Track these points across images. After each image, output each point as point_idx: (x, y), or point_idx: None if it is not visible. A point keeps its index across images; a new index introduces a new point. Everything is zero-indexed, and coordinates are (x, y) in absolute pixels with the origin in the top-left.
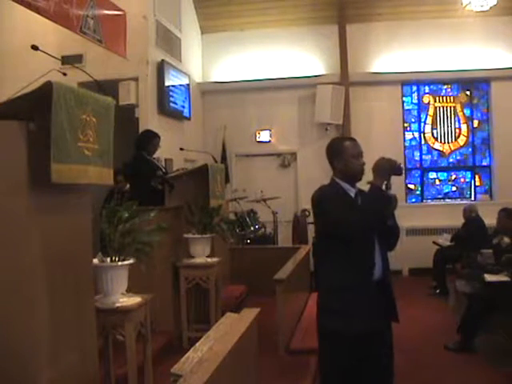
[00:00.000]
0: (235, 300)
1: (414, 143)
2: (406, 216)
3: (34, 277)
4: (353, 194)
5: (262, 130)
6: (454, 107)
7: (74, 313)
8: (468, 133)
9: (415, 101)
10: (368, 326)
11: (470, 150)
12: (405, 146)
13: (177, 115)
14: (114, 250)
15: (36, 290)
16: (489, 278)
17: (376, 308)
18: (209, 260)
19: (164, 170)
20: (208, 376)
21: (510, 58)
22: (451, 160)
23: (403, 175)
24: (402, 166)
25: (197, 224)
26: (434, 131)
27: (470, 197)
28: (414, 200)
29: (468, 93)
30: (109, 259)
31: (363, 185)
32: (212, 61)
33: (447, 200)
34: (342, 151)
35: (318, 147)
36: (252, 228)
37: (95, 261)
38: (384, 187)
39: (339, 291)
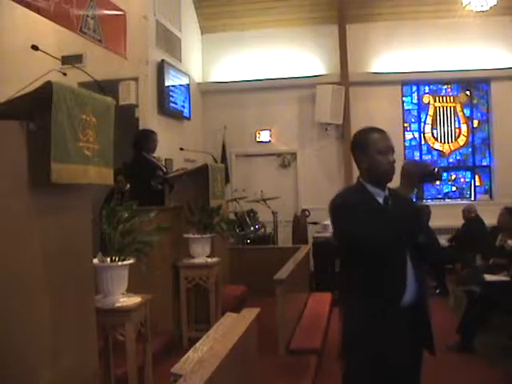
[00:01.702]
0: (235, 300)
1: (413, 143)
2: None
3: (34, 277)
4: (381, 200)
5: (261, 130)
6: (454, 107)
7: (74, 313)
8: (468, 133)
9: (415, 101)
10: (395, 357)
11: (470, 149)
12: (405, 146)
13: (177, 115)
14: (114, 250)
15: (36, 290)
16: (489, 277)
17: (406, 337)
18: (209, 260)
19: (164, 169)
20: (208, 376)
21: (510, 58)
22: (451, 160)
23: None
24: (438, 169)
25: (197, 224)
26: (434, 131)
27: (470, 197)
28: (413, 200)
29: (468, 93)
30: (109, 259)
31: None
32: (212, 61)
33: (447, 200)
34: (366, 146)
35: (318, 147)
36: (252, 228)
37: (95, 261)
38: (414, 197)
39: (363, 319)
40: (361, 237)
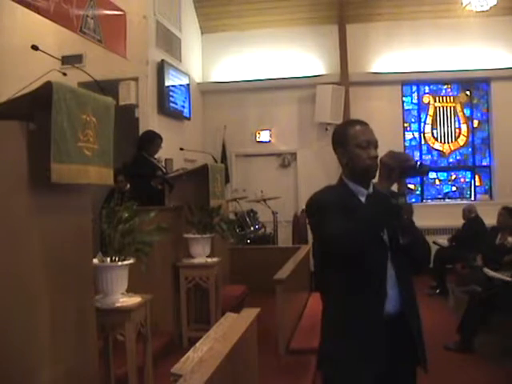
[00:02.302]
0: (235, 300)
1: (414, 143)
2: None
3: (34, 277)
4: (363, 198)
5: (261, 130)
6: (454, 107)
7: (74, 313)
8: (468, 133)
9: (415, 101)
10: (376, 372)
11: (470, 150)
12: (405, 146)
13: (177, 115)
14: (114, 250)
15: (36, 290)
16: (490, 272)
17: (390, 352)
18: (209, 260)
19: (164, 170)
20: (208, 376)
21: (510, 58)
22: (451, 160)
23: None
24: (422, 162)
25: (197, 224)
26: (434, 131)
27: (470, 197)
28: (413, 200)
29: (468, 93)
30: (109, 259)
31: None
32: (212, 61)
33: (447, 200)
34: (344, 140)
35: (318, 147)
36: (252, 228)
37: (95, 261)
38: (394, 193)
39: (341, 332)
40: (330, 237)
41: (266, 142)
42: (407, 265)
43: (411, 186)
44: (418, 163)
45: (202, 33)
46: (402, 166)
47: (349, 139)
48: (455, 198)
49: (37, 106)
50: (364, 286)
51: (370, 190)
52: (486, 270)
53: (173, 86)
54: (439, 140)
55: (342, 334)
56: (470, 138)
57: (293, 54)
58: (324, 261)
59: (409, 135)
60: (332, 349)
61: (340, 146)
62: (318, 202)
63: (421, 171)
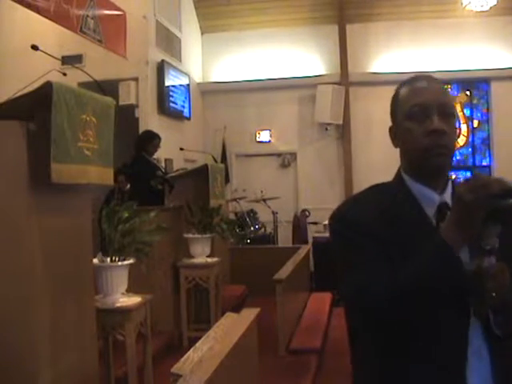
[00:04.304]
0: (235, 300)
1: None
2: None
3: (34, 277)
4: (432, 209)
5: (262, 130)
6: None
7: (74, 313)
8: (468, 133)
9: None
10: None
11: (470, 150)
12: None
13: (177, 115)
14: (114, 249)
15: (36, 290)
16: None
17: None
18: (209, 260)
19: (163, 171)
20: (208, 376)
21: (510, 58)
22: None
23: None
24: None
25: (197, 224)
26: None
27: None
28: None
29: (468, 93)
30: (109, 259)
31: None
32: (212, 61)
33: None
34: (394, 109)
35: (318, 147)
36: (252, 228)
37: (95, 261)
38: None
39: None
40: (353, 296)
41: (266, 142)
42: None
43: None
44: None
45: (202, 33)
46: (494, 205)
47: (397, 107)
48: None
49: (37, 106)
50: (427, 370)
51: (447, 194)
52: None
53: (173, 86)
54: None
55: None
56: (470, 138)
57: (293, 54)
58: (353, 322)
59: None
60: None
61: (392, 119)
62: (345, 222)
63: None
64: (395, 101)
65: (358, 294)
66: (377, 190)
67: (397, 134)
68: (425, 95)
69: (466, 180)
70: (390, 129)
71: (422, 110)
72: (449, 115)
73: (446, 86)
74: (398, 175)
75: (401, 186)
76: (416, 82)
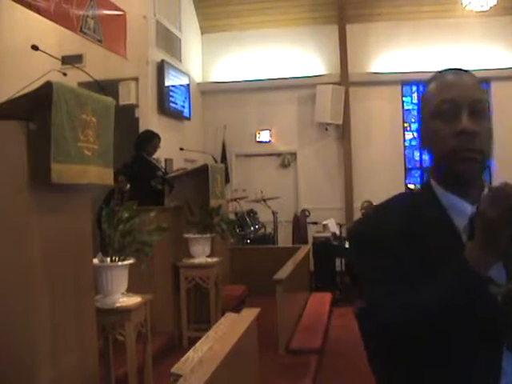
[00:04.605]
0: (235, 300)
1: (413, 143)
2: None
3: (34, 277)
4: (463, 221)
5: (262, 130)
6: None
7: (74, 313)
8: None
9: (415, 101)
10: None
11: None
12: (405, 146)
13: (177, 115)
14: (114, 250)
15: (36, 290)
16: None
17: None
18: (209, 260)
19: (163, 171)
20: (208, 376)
21: (510, 58)
22: None
23: (403, 174)
24: None
25: (197, 224)
26: None
27: None
28: None
29: None
30: (109, 259)
31: None
32: (212, 61)
33: None
34: (421, 106)
35: (318, 147)
36: (252, 228)
37: (95, 261)
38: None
39: None
40: (386, 314)
41: (266, 142)
42: None
43: (411, 186)
44: None
45: (202, 33)
46: None
47: (424, 104)
48: None
49: (37, 106)
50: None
51: (477, 202)
52: None
53: (173, 86)
54: None
55: None
56: None
57: (293, 54)
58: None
59: (409, 135)
60: None
61: (420, 119)
62: (362, 238)
63: None
64: (423, 97)
65: (374, 309)
66: (401, 199)
67: (423, 135)
68: (455, 90)
69: (491, 189)
70: (418, 130)
71: (450, 107)
72: (481, 114)
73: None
74: (427, 182)
75: (428, 194)
76: (446, 75)
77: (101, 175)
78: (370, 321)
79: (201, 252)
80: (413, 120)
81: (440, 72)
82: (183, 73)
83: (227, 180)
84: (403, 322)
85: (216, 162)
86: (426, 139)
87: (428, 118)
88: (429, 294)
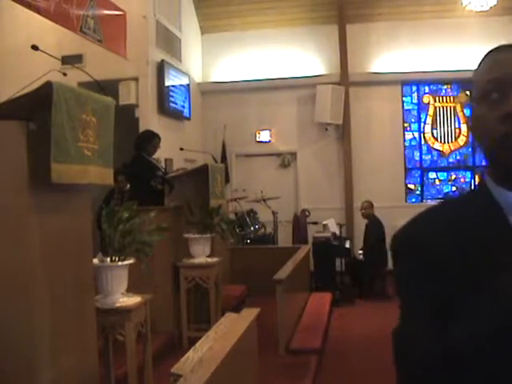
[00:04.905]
0: (235, 300)
1: (413, 143)
2: (406, 216)
3: (34, 277)
4: None
5: (262, 130)
6: (454, 107)
7: (74, 313)
8: (468, 133)
9: (415, 101)
10: None
11: (470, 149)
12: (405, 146)
13: (177, 115)
14: (114, 249)
15: (36, 290)
16: None
17: None
18: (209, 260)
19: (163, 171)
20: (208, 376)
21: None
22: (451, 160)
23: (403, 174)
24: None
25: (197, 224)
26: (434, 131)
27: None
28: (413, 200)
29: (468, 93)
30: (109, 259)
31: None
32: (212, 61)
33: None
34: (471, 93)
35: (318, 147)
36: (252, 228)
37: (95, 261)
38: None
39: None
40: (405, 344)
41: (266, 142)
42: None
43: (411, 186)
44: None
45: (202, 33)
46: None
47: (474, 88)
48: None
49: (37, 106)
50: None
51: None
52: None
53: (173, 85)
54: (439, 140)
55: None
56: (470, 138)
57: (293, 54)
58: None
59: (409, 135)
60: None
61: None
62: (403, 251)
63: None
64: (475, 75)
65: (403, 343)
66: (449, 203)
67: (471, 127)
68: (503, 68)
69: None
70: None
71: (496, 87)
72: None
73: None
74: (481, 179)
75: (482, 191)
76: (498, 52)
77: (101, 175)
78: (406, 357)
79: (201, 252)
80: (413, 120)
81: (493, 49)
82: (183, 73)
83: (227, 180)
84: (436, 366)
85: (216, 161)
86: (473, 130)
87: (476, 103)
88: (465, 330)
